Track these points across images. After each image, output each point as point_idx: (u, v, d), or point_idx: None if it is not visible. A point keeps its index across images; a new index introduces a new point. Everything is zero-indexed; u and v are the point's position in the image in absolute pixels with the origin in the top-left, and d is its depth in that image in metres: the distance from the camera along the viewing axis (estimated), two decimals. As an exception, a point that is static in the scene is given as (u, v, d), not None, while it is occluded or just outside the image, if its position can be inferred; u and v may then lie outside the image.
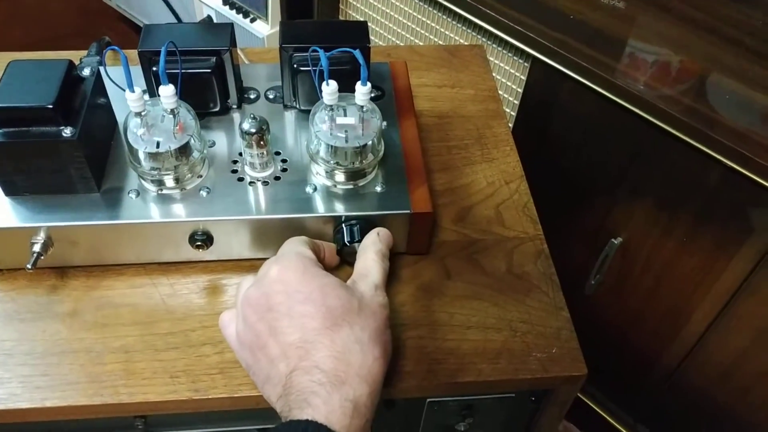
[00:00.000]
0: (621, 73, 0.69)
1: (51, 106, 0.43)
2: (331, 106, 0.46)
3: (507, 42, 0.76)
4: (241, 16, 0.99)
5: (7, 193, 0.46)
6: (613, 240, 0.75)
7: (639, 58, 0.72)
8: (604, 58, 0.70)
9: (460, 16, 0.80)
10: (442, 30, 0.86)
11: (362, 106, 0.46)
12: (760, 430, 0.78)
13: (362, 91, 0.44)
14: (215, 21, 1.03)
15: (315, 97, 0.48)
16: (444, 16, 0.85)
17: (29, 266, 0.45)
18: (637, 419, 0.89)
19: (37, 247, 0.46)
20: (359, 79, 0.44)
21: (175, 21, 1.11)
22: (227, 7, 0.99)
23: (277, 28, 0.84)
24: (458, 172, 0.57)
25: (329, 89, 0.45)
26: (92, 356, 0.45)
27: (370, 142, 0.46)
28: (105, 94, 0.50)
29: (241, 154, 0.49)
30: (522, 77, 0.79)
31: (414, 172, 0.49)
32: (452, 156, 0.59)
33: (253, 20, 0.98)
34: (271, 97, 0.54)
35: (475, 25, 0.79)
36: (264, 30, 0.98)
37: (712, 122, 0.64)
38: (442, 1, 0.80)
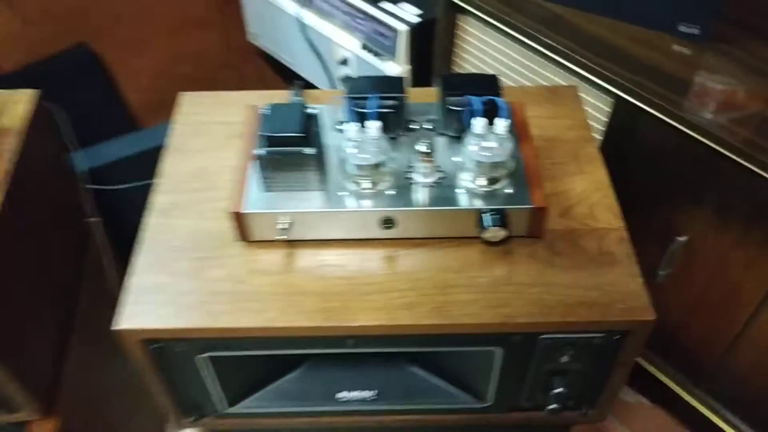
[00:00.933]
0: (687, 107, 0.88)
1: (302, 134, 0.67)
2: (479, 134, 0.68)
3: (595, 82, 0.97)
4: (374, 56, 1.23)
5: (266, 190, 0.71)
6: (678, 238, 0.94)
7: (703, 93, 0.91)
8: (673, 96, 0.89)
9: (557, 61, 1.01)
10: (542, 71, 1.07)
11: (501, 135, 0.68)
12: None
13: (502, 124, 0.67)
14: (352, 61, 1.27)
15: (462, 127, 0.71)
16: (544, 61, 1.06)
17: (276, 238, 0.69)
18: (696, 385, 1.06)
19: (281, 225, 0.70)
20: (496, 116, 0.67)
21: (317, 58, 1.36)
22: (364, 50, 1.23)
23: (403, 68, 1.06)
24: (561, 181, 0.78)
25: (480, 123, 0.67)
26: (319, 297, 0.68)
27: (504, 159, 0.68)
28: (318, 124, 0.74)
29: (411, 166, 0.72)
30: (607, 109, 0.99)
31: (533, 179, 0.71)
32: (556, 169, 0.80)
33: (384, 60, 1.22)
34: (428, 127, 0.77)
35: (569, 68, 1.00)
36: (394, 69, 1.21)
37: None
38: (542, 49, 1.01)
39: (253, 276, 0.70)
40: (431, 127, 0.76)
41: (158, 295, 0.69)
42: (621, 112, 0.96)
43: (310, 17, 1.28)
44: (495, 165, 0.68)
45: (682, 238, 0.93)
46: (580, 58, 0.96)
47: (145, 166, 0.98)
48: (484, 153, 0.68)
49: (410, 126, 0.77)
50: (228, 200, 0.71)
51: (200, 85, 1.50)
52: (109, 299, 0.77)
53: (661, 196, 0.97)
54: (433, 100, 0.77)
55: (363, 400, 0.79)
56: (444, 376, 0.79)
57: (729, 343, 0.96)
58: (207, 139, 0.84)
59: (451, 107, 0.72)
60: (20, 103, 0.91)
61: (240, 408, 0.79)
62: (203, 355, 0.70)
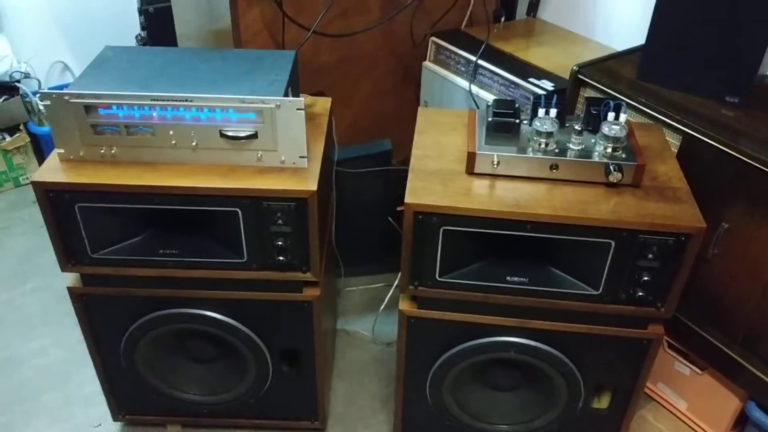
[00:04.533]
0: (729, 138, 1.43)
1: (514, 110, 1.26)
2: (610, 120, 1.25)
3: (672, 125, 1.53)
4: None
5: (486, 144, 1.28)
6: (723, 224, 1.44)
7: (738, 132, 1.45)
8: (723, 132, 1.44)
9: (646, 112, 1.58)
10: (633, 119, 1.64)
11: (622, 122, 1.24)
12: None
13: (623, 116, 1.24)
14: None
15: (598, 123, 1.28)
16: (634, 112, 1.63)
17: (489, 172, 1.26)
18: (733, 342, 1.52)
19: (494, 162, 1.27)
20: (620, 113, 1.24)
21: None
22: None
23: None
24: (652, 165, 1.33)
25: (612, 114, 1.24)
26: (513, 202, 1.23)
27: (622, 136, 1.24)
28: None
29: (569, 141, 1.28)
30: (677, 143, 1.54)
31: (638, 153, 1.26)
32: (649, 160, 1.35)
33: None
34: (578, 127, 1.34)
35: (655, 117, 1.56)
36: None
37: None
38: (637, 105, 1.59)
39: (474, 190, 1.26)
40: (579, 126, 1.33)
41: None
42: (687, 143, 1.50)
43: (474, 89, 1.90)
44: (617, 138, 1.24)
45: (725, 225, 1.44)
46: (661, 109, 1.53)
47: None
48: (613, 128, 1.24)
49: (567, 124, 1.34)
50: (454, 155, 1.29)
51: (380, 133, 2.11)
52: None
53: (710, 195, 1.48)
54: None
55: (520, 282, 1.31)
56: (570, 272, 1.31)
57: (756, 304, 1.43)
58: (436, 129, 1.45)
59: (593, 109, 1.30)
60: (320, 103, 1.54)
61: (450, 279, 1.32)
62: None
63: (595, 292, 1.30)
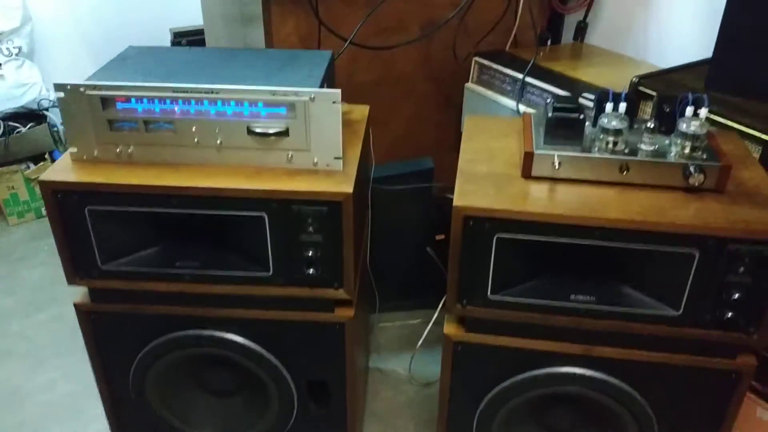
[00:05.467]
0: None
1: (576, 105, 1.11)
2: (690, 116, 1.09)
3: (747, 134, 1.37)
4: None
5: (545, 144, 1.13)
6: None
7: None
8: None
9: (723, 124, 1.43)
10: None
11: (702, 119, 1.09)
12: None
13: (704, 111, 1.08)
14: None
15: (672, 123, 1.13)
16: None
17: (548, 175, 1.11)
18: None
19: (555, 163, 1.11)
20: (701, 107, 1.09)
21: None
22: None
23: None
24: (736, 173, 1.16)
25: (691, 109, 1.09)
26: (581, 204, 1.07)
27: (703, 133, 1.09)
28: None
29: (640, 142, 1.13)
30: (756, 155, 1.38)
31: (721, 154, 1.10)
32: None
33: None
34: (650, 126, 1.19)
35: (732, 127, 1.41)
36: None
37: None
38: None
39: (533, 194, 1.11)
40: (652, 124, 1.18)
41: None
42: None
43: (522, 108, 1.77)
44: (697, 136, 1.09)
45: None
46: (737, 117, 1.37)
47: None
48: (693, 124, 1.09)
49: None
50: (508, 159, 1.15)
51: (416, 153, 1.98)
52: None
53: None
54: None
55: (586, 301, 1.14)
56: (645, 290, 1.13)
57: None
58: (486, 135, 1.31)
59: (666, 106, 1.14)
60: (358, 110, 1.42)
61: (503, 296, 1.15)
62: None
63: (675, 314, 1.12)
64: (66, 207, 1.16)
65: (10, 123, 2.42)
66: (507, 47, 2.00)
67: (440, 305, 1.36)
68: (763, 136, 1.32)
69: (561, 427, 1.33)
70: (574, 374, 1.20)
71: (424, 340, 1.71)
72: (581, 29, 2.13)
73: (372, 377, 1.84)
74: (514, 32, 1.98)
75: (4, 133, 2.38)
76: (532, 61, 1.79)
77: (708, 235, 1.04)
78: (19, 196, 2.52)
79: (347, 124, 1.36)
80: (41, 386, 1.80)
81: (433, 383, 1.78)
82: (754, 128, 1.33)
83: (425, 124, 2.08)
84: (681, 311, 1.11)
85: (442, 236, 1.80)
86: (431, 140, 2.09)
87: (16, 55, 2.46)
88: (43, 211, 2.59)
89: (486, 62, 1.87)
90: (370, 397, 1.77)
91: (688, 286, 1.09)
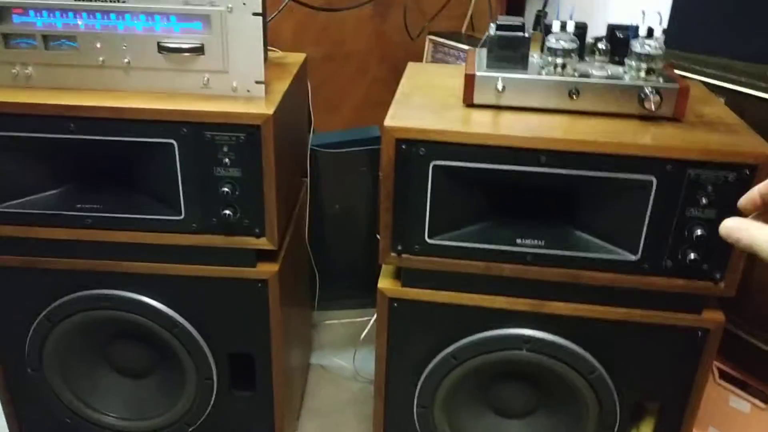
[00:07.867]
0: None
1: (521, 24, 1.01)
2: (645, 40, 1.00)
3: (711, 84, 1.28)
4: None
5: (488, 67, 1.02)
6: None
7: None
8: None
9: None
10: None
11: (659, 40, 0.99)
12: None
13: (659, 32, 0.99)
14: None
15: (625, 51, 1.03)
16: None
17: (491, 102, 1.00)
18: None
19: (499, 87, 1.00)
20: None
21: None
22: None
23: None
24: (697, 108, 1.07)
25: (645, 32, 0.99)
26: (525, 127, 0.96)
27: (659, 54, 0.99)
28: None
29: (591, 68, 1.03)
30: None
31: (678, 79, 1.00)
32: (695, 105, 1.08)
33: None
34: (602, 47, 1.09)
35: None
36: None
37: None
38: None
39: (474, 119, 1.00)
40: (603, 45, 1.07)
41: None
42: (732, 103, 1.24)
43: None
44: (652, 57, 0.99)
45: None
46: (697, 68, 1.29)
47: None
48: (648, 43, 0.99)
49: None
50: (449, 92, 1.04)
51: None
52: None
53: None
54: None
55: (534, 245, 1.01)
56: (599, 232, 1.01)
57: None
58: (428, 75, 1.20)
59: (619, 33, 1.05)
60: (293, 56, 1.31)
61: (443, 240, 1.02)
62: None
63: (633, 258, 0.99)
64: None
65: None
66: (463, 29, 1.92)
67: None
68: (726, 85, 1.23)
69: (512, 408, 1.18)
70: (523, 336, 1.06)
71: (369, 331, 1.57)
72: (541, 18, 2.07)
73: (314, 374, 1.67)
74: (469, 15, 1.91)
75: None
76: (487, 34, 1.72)
77: (665, 157, 0.92)
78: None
79: (279, 65, 1.24)
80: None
81: (378, 377, 1.62)
82: (718, 78, 1.24)
83: (378, 111, 1.98)
84: (639, 255, 0.99)
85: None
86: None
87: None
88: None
89: (440, 39, 1.79)
90: (312, 394, 1.60)
91: (646, 223, 0.97)
